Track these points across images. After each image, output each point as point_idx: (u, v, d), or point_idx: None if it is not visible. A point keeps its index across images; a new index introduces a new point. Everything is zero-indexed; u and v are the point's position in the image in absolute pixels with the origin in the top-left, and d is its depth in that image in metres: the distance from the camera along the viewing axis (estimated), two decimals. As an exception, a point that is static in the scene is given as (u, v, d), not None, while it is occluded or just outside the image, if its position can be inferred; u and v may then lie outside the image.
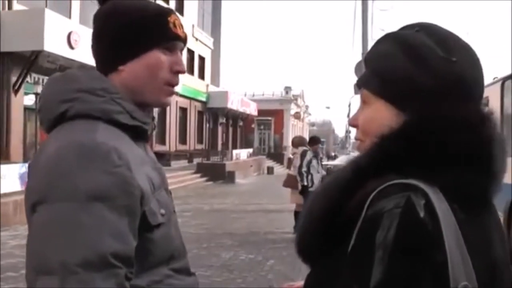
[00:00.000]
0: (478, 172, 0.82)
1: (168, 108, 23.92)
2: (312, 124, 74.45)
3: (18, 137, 14.27)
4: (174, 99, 22.69)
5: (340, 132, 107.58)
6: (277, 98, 45.18)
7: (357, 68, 11.46)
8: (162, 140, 24.58)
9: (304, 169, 8.62)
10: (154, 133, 1.23)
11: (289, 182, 9.16)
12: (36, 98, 13.49)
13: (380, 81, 0.90)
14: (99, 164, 0.96)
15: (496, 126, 0.86)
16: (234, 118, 37.14)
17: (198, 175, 22.14)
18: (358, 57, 13.17)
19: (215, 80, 35.09)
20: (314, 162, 8.79)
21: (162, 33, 1.14)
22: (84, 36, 12.86)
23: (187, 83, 25.15)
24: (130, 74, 1.13)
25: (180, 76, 1.20)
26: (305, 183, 8.54)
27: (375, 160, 0.85)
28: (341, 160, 28.41)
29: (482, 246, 0.82)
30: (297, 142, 9.51)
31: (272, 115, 44.11)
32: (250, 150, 33.70)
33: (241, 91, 40.87)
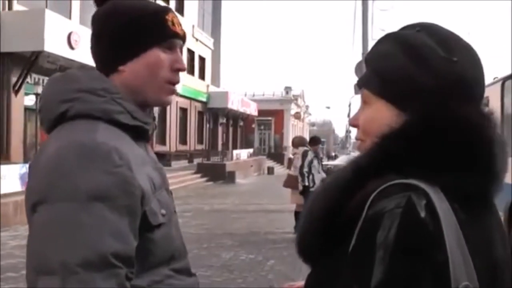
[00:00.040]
0: (479, 172, 0.82)
1: (168, 109, 23.94)
2: (313, 124, 74.44)
3: (18, 138, 14.27)
4: (174, 99, 22.71)
5: (340, 132, 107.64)
6: (277, 98, 45.18)
7: (358, 68, 11.46)
8: (162, 141, 24.58)
9: (305, 169, 8.61)
10: (155, 132, 1.23)
11: (290, 182, 9.16)
12: (36, 98, 13.51)
13: (381, 81, 0.90)
14: (100, 164, 0.96)
15: (496, 126, 0.86)
16: (235, 118, 37.14)
17: (199, 175, 22.15)
18: (358, 57, 13.19)
19: (215, 80, 35.10)
20: (315, 162, 8.78)
21: (160, 31, 1.14)
22: (84, 36, 12.87)
23: (187, 83, 25.16)
24: (130, 74, 1.13)
25: (181, 76, 1.20)
26: (306, 183, 8.53)
27: (376, 160, 0.85)
28: (341, 160, 28.38)
29: (483, 246, 0.81)
30: (298, 142, 9.51)
31: (273, 115, 44.12)
32: (251, 150, 33.70)
33: (241, 91, 40.94)
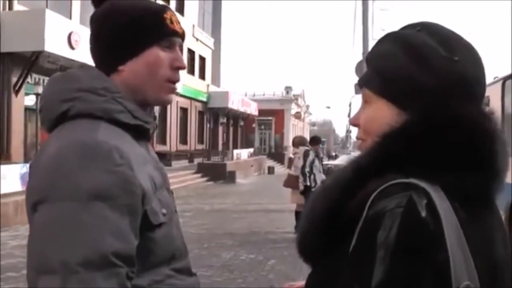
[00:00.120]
0: (480, 171, 0.82)
1: (168, 108, 23.95)
2: (313, 124, 74.44)
3: (18, 138, 14.28)
4: (174, 99, 22.71)
5: (340, 131, 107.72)
6: (277, 98, 45.20)
7: (358, 67, 11.47)
8: (163, 140, 24.59)
9: (307, 169, 8.61)
10: (155, 132, 1.22)
11: (290, 182, 9.15)
12: (36, 98, 13.51)
13: (382, 80, 0.90)
14: (100, 163, 0.96)
15: (498, 126, 0.86)
16: (235, 118, 37.15)
17: (199, 175, 22.15)
18: (358, 56, 13.18)
19: (215, 80, 35.11)
20: (316, 162, 8.79)
21: (159, 30, 1.14)
22: (85, 36, 12.80)
23: (187, 83, 25.16)
24: (130, 74, 1.13)
25: (181, 76, 1.20)
26: (308, 183, 8.53)
27: (376, 160, 0.85)
28: (342, 159, 28.39)
29: (484, 246, 0.81)
30: (298, 141, 9.51)
31: (273, 115, 44.13)
32: (251, 150, 33.70)
33: (241, 91, 40.98)
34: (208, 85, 31.73)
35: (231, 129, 37.29)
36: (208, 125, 31.52)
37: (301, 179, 8.66)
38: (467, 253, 0.76)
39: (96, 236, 0.91)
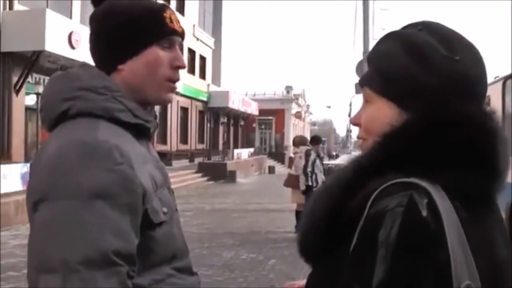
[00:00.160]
0: (481, 171, 0.82)
1: (169, 108, 23.95)
2: (313, 124, 74.41)
3: (19, 137, 14.28)
4: (175, 98, 22.71)
5: (341, 131, 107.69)
6: (278, 98, 45.20)
7: (358, 67, 11.46)
8: (163, 140, 24.59)
9: (309, 169, 8.62)
10: (156, 132, 1.22)
11: (290, 181, 9.15)
12: (37, 98, 13.52)
13: (383, 80, 0.90)
14: (101, 162, 0.96)
15: (499, 125, 0.86)
16: (235, 117, 37.15)
17: (199, 174, 22.15)
18: (359, 56, 13.18)
19: (216, 79, 35.10)
20: (318, 161, 8.80)
21: (159, 29, 1.14)
22: (85, 36, 12.65)
23: (188, 82, 25.16)
24: (130, 73, 1.13)
25: (181, 75, 1.20)
26: (310, 183, 8.53)
27: (377, 159, 0.85)
28: (342, 159, 28.40)
29: (485, 245, 0.81)
30: (298, 141, 9.51)
31: (273, 114, 44.13)
32: (251, 149, 33.70)
33: (242, 91, 41.02)
34: (208, 85, 31.73)
35: (231, 128, 37.29)
36: (208, 124, 31.52)
37: (303, 179, 8.66)
38: (468, 252, 0.76)
39: (96, 234, 0.91)
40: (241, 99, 34.90)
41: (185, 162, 25.19)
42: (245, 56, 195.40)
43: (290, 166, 11.59)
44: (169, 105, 21.95)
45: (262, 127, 45.03)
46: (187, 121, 28.37)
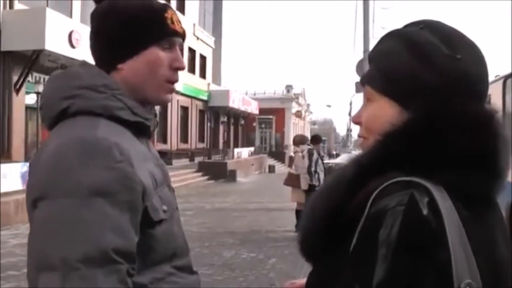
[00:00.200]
0: (482, 170, 0.82)
1: (169, 107, 23.95)
2: (314, 123, 74.36)
3: (19, 136, 14.28)
4: (175, 98, 22.73)
5: (341, 130, 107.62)
6: (278, 97, 45.23)
7: (359, 66, 11.47)
8: (163, 139, 24.60)
9: (313, 168, 8.64)
10: (156, 131, 1.23)
11: (290, 180, 9.15)
12: (37, 97, 13.51)
13: (384, 78, 0.90)
14: (100, 159, 0.96)
15: (500, 124, 0.86)
16: (236, 116, 37.15)
17: (200, 173, 22.16)
18: (359, 55, 13.17)
19: (216, 79, 35.11)
20: (319, 161, 8.83)
21: (160, 29, 1.14)
22: (85, 35, 12.78)
23: (188, 82, 25.16)
24: (129, 72, 1.13)
25: (182, 75, 1.20)
26: (313, 182, 8.56)
27: (378, 158, 0.85)
28: (342, 158, 28.39)
29: (486, 245, 0.81)
30: (298, 140, 9.51)
31: (273, 113, 44.15)
32: (252, 148, 33.71)
33: (242, 90, 40.97)
34: (208, 84, 31.74)
35: (231, 127, 37.29)
36: (208, 123, 31.52)
37: (306, 178, 8.67)
38: (469, 251, 0.76)
39: (96, 232, 0.91)
40: (241, 98, 34.89)
41: (185, 161, 25.19)
42: (245, 55, 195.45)
43: (290, 165, 11.60)
44: (169, 104, 21.96)
45: (262, 126, 45.04)
46: (188, 120, 28.38)
